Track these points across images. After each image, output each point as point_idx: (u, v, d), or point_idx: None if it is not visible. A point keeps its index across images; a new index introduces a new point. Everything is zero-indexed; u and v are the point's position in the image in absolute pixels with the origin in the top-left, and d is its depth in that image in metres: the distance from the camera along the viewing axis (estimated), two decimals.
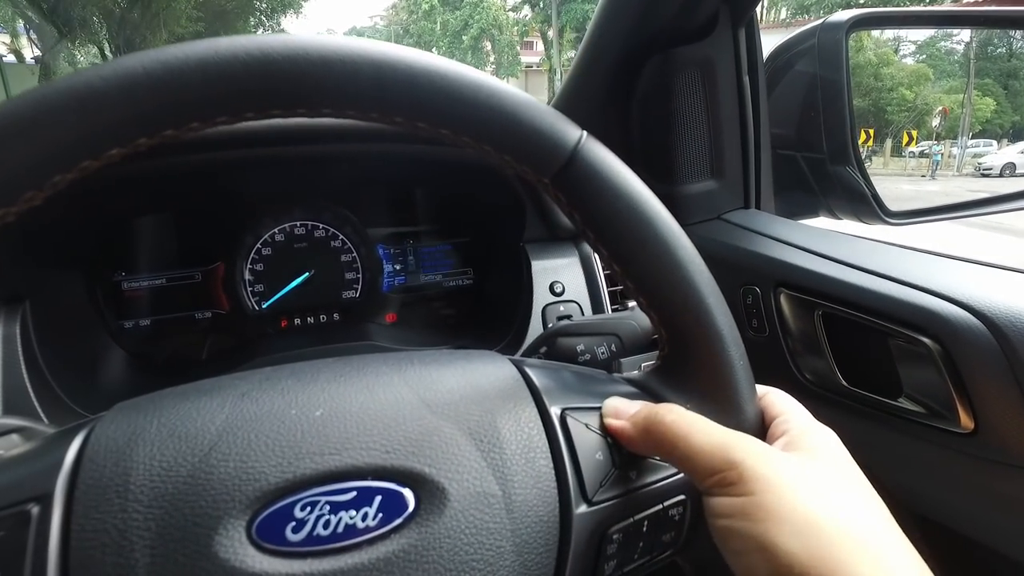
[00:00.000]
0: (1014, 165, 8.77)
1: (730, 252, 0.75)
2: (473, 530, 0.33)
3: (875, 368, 0.60)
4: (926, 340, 0.53)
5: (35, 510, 0.29)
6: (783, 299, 0.68)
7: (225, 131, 0.60)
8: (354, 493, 0.32)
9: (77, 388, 0.66)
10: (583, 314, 0.81)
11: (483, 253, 0.92)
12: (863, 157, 0.93)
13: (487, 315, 0.88)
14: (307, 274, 0.86)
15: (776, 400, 0.39)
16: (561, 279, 0.81)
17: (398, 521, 0.33)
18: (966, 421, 0.52)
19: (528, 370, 0.40)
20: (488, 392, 0.37)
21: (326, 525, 0.32)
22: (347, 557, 0.32)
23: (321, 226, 0.87)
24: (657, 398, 0.39)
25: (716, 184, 0.84)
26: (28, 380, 0.59)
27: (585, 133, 0.35)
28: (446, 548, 0.32)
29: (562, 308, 0.80)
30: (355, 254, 0.88)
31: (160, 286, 0.83)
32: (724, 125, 0.81)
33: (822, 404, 0.64)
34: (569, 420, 0.37)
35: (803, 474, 0.32)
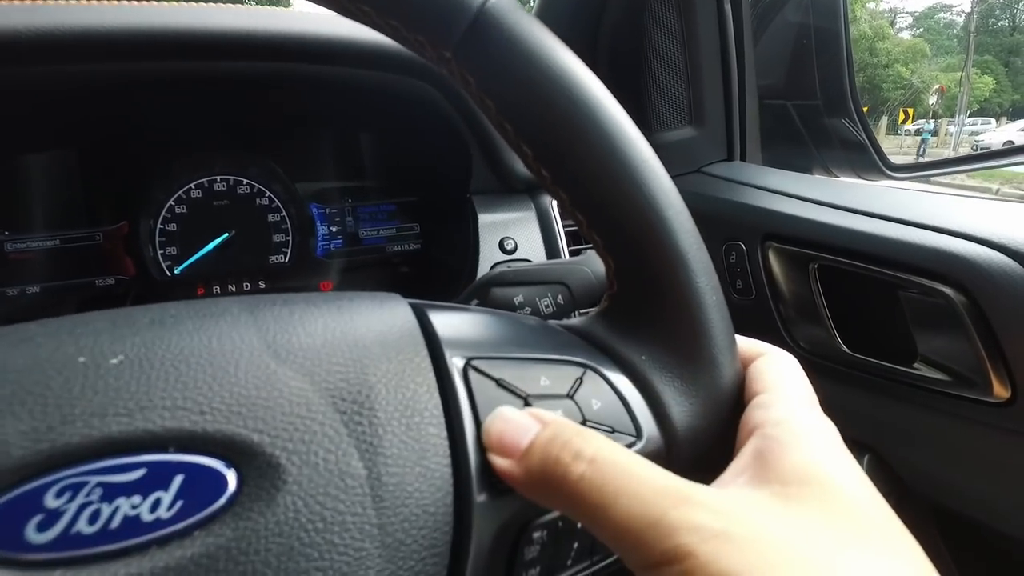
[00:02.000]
0: (1012, 143, 8.75)
1: (710, 205, 0.65)
2: (320, 524, 0.22)
3: (883, 330, 0.50)
4: (947, 290, 0.43)
5: None
6: (772, 254, 0.58)
7: (124, 39, 0.49)
8: (142, 471, 0.22)
9: None
10: None
11: (430, 211, 0.81)
12: None
13: (434, 281, 0.77)
14: (227, 235, 0.75)
15: (766, 368, 0.28)
16: (513, 235, 0.70)
17: (208, 511, 0.22)
18: (1000, 389, 0.42)
19: (429, 312, 0.29)
20: (365, 338, 0.26)
21: (93, 518, 0.21)
22: (120, 566, 0.21)
23: (245, 181, 0.76)
24: (604, 351, 0.29)
25: (695, 132, 0.73)
26: None
27: None
28: (276, 551, 0.22)
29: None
30: (283, 213, 0.77)
31: (54, 247, 0.71)
32: (703, 64, 0.71)
33: (820, 375, 0.54)
34: (473, 375, 0.26)
35: (792, 552, 0.19)
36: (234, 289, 0.75)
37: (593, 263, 0.44)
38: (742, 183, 0.67)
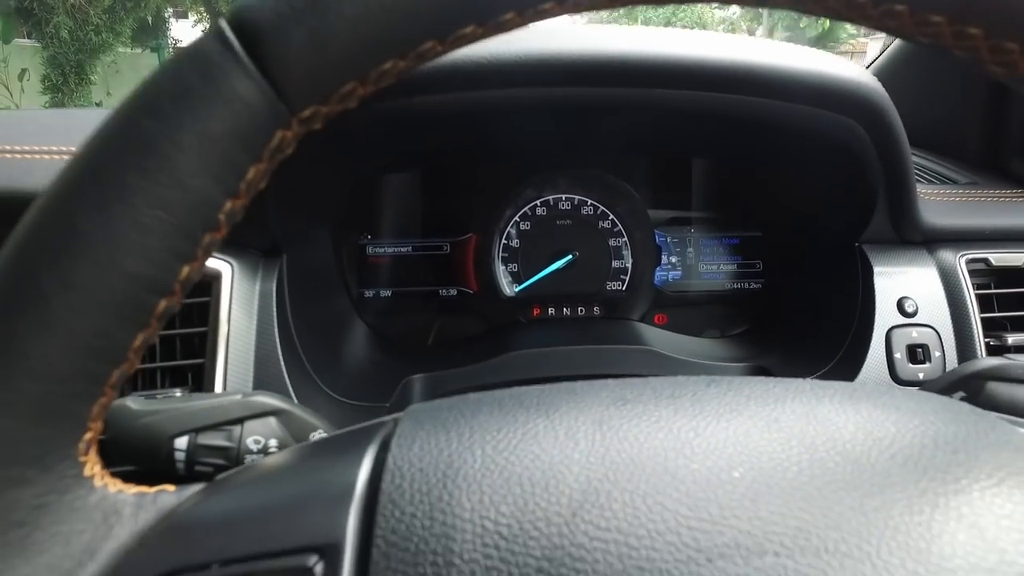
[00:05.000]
0: None
1: None
2: None
3: None
4: None
5: (318, 567, 0.18)
6: None
7: (482, 66, 0.47)
8: None
9: (321, 360, 0.57)
10: (941, 344, 0.58)
11: (783, 250, 0.72)
12: None
13: (792, 329, 0.68)
14: (570, 257, 0.72)
15: None
16: (913, 295, 0.59)
17: None
18: None
19: None
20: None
21: None
22: None
23: (590, 202, 0.73)
24: None
25: None
26: (280, 346, 0.50)
27: None
28: None
29: (915, 334, 0.58)
30: (626, 239, 0.73)
31: (405, 254, 0.73)
32: None
33: None
34: None
35: None
36: (568, 313, 0.72)
37: None
38: None
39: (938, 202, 0.64)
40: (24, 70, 6.32)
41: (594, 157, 0.73)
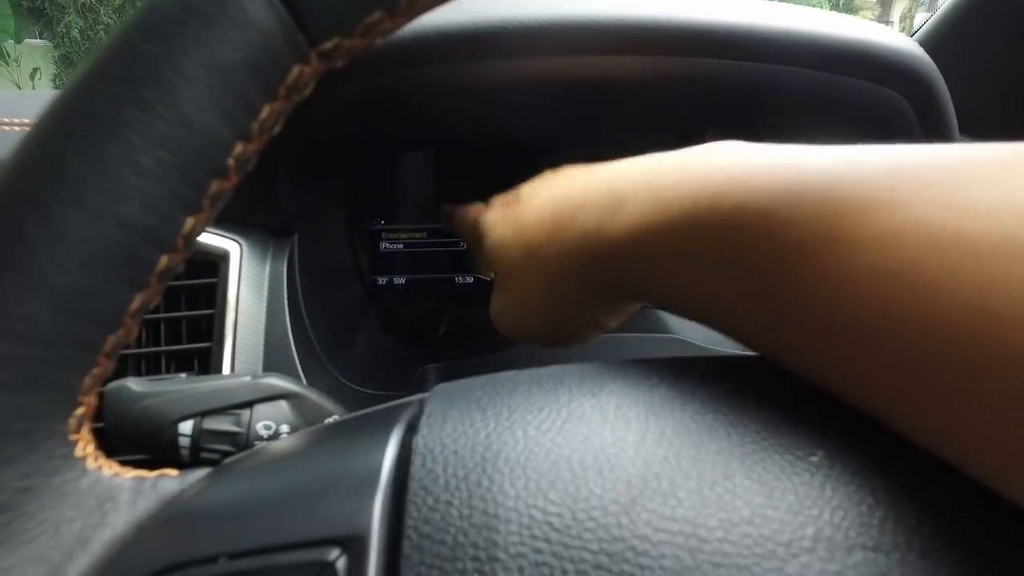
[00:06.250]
0: None
1: None
2: None
3: None
4: None
5: (340, 562, 0.15)
6: None
7: (490, 32, 0.45)
8: None
9: (333, 346, 0.54)
10: None
11: None
12: None
13: None
14: None
15: None
16: None
17: None
18: None
19: None
20: None
21: None
22: None
23: None
24: None
25: None
26: (291, 330, 0.48)
27: None
28: None
29: None
30: None
31: (420, 240, 0.70)
32: None
33: None
34: None
35: None
36: None
37: None
38: None
39: None
40: (36, 69, 6.37)
41: (611, 139, 0.70)
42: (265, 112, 0.18)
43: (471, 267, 0.70)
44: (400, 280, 0.70)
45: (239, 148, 0.18)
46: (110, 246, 0.17)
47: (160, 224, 0.17)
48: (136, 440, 0.32)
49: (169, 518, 0.19)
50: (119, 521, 0.19)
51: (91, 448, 0.20)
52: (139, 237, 0.17)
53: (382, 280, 0.70)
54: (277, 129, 0.19)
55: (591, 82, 0.55)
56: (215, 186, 0.18)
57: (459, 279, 0.71)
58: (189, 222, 0.18)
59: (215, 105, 0.17)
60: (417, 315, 0.70)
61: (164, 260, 0.18)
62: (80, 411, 0.19)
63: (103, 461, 0.20)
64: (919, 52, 0.48)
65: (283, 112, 0.19)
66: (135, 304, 0.18)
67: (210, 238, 0.48)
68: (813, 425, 0.18)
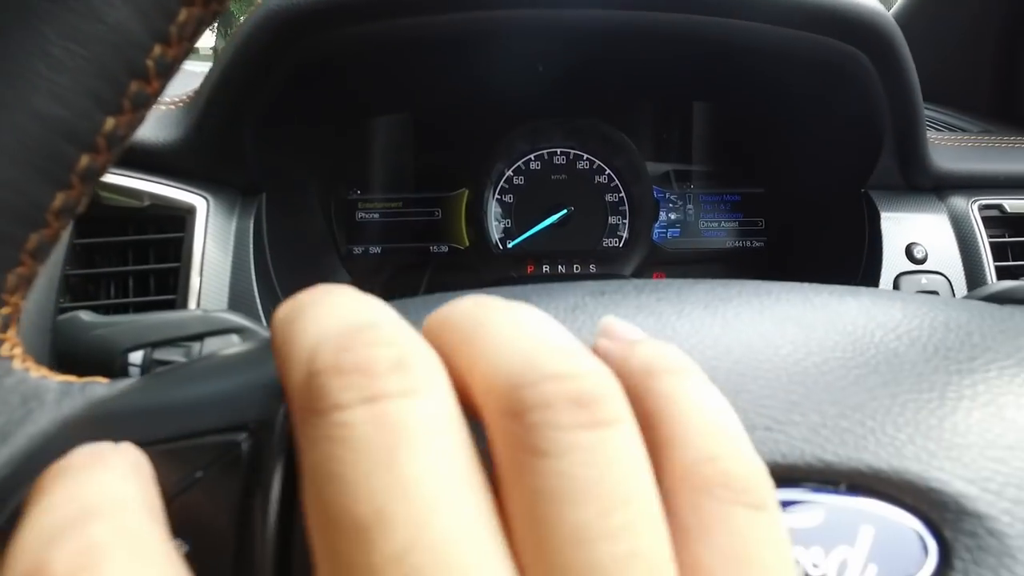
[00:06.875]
0: None
1: None
2: None
3: None
4: None
5: (246, 443, 0.16)
6: None
7: None
8: (820, 514, 0.16)
9: None
10: (952, 292, 0.56)
11: (786, 206, 0.69)
12: None
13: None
14: (565, 211, 0.70)
15: None
16: (922, 241, 0.56)
17: None
18: None
19: None
20: None
21: None
22: None
23: (586, 156, 0.70)
24: None
25: None
26: (256, 283, 0.48)
27: None
28: None
29: (924, 280, 0.55)
30: (623, 194, 0.70)
31: (395, 210, 0.71)
32: None
33: None
34: None
35: None
36: (564, 270, 0.70)
37: None
38: None
39: (948, 147, 0.61)
40: None
41: (590, 102, 0.70)
42: (183, 15, 0.18)
43: (446, 236, 0.71)
44: (376, 249, 0.70)
45: (157, 50, 0.18)
46: (26, 138, 0.17)
47: (76, 120, 0.17)
48: (86, 369, 0.32)
49: (94, 416, 0.20)
50: (43, 419, 0.19)
51: (19, 351, 0.20)
52: (53, 130, 0.17)
53: (358, 249, 0.70)
54: (197, 39, 0.19)
55: (564, 38, 0.56)
56: (134, 86, 0.18)
57: (435, 248, 0.71)
58: (110, 122, 0.18)
59: (128, 2, 0.17)
60: (392, 282, 0.71)
61: (85, 159, 0.18)
62: (5, 310, 0.19)
63: (31, 364, 0.20)
64: (880, 9, 0.48)
65: (202, 18, 0.19)
66: (57, 202, 0.18)
67: (178, 192, 0.48)
68: (726, 328, 0.19)
